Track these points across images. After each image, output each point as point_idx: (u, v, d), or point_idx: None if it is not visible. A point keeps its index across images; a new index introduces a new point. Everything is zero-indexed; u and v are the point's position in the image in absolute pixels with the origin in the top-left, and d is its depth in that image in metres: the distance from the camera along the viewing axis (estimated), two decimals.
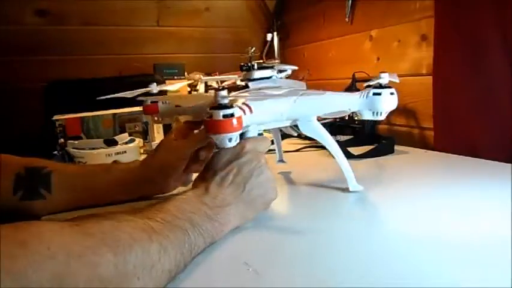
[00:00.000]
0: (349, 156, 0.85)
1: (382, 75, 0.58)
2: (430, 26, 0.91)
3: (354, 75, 1.08)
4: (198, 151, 0.60)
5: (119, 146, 0.92)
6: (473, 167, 0.75)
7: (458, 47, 0.84)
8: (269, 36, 0.63)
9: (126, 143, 0.94)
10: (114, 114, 1.09)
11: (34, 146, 0.80)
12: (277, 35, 1.65)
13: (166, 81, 1.33)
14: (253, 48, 0.65)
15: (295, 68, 0.67)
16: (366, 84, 0.61)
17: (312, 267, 0.39)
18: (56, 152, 0.92)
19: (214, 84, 1.38)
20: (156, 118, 0.68)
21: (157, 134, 1.06)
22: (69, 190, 0.59)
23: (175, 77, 1.38)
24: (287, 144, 1.02)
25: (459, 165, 0.78)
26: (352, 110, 0.60)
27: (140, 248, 0.33)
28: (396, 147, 0.93)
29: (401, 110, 1.03)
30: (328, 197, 0.61)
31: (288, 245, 0.44)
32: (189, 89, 1.37)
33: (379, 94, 0.58)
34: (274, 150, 0.76)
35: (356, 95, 0.60)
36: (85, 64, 1.45)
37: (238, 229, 0.47)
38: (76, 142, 0.93)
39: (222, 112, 0.45)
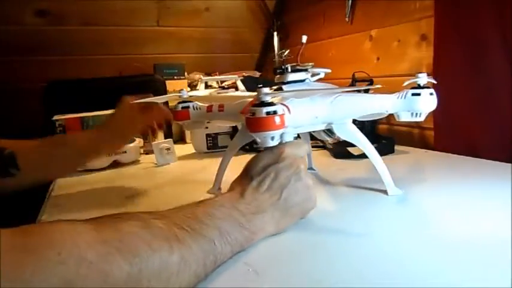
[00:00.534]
0: (349, 156, 0.85)
1: (420, 75, 0.55)
2: (430, 26, 0.91)
3: (353, 75, 1.08)
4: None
5: None
6: (473, 167, 0.74)
7: (458, 47, 0.84)
8: (304, 38, 0.61)
9: None
10: None
11: None
12: (277, 35, 1.65)
13: (166, 82, 1.33)
14: (287, 51, 0.62)
15: (329, 71, 0.64)
16: (405, 83, 0.57)
17: (312, 268, 0.39)
18: None
19: (215, 84, 1.38)
20: (186, 124, 0.66)
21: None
22: (35, 166, 0.63)
23: (175, 77, 1.38)
24: None
25: (459, 165, 0.77)
26: (390, 112, 0.57)
27: (158, 259, 0.32)
28: (396, 147, 0.93)
29: None
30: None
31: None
32: (189, 89, 1.37)
33: (418, 94, 0.54)
34: None
35: (394, 95, 0.56)
36: (85, 64, 1.45)
37: None
38: None
39: (264, 109, 0.44)
